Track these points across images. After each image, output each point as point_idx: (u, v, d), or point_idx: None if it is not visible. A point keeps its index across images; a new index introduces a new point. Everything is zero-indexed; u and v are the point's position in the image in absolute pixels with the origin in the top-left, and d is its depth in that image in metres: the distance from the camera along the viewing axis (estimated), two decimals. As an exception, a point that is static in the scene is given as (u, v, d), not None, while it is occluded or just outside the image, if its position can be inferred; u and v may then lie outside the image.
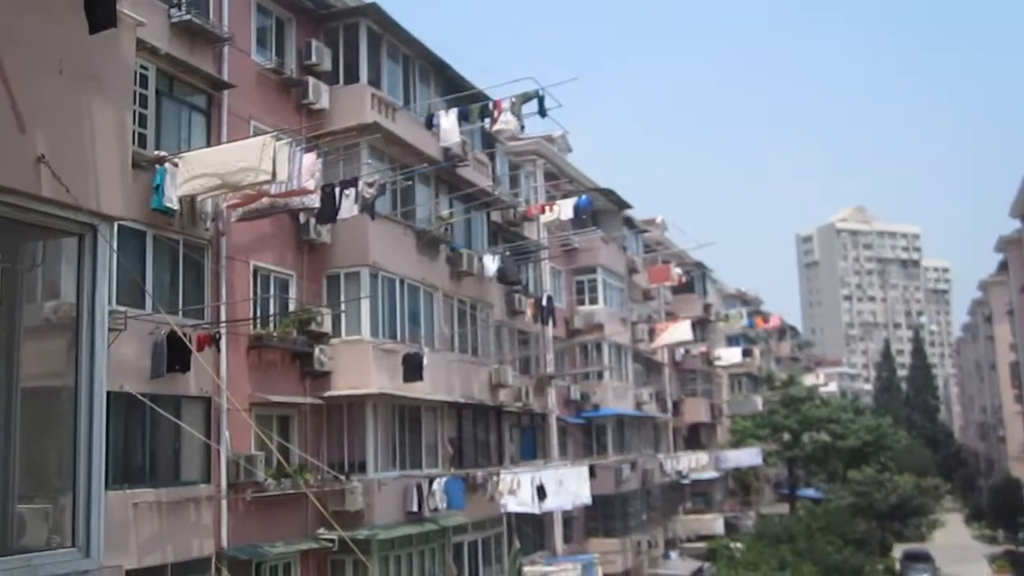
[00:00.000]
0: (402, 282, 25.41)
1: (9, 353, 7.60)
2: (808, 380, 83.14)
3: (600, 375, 41.88)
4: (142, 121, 18.85)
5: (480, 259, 29.66)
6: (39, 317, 8.13)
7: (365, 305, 23.69)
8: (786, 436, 68.48)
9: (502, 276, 30.74)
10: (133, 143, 16.79)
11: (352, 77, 25.14)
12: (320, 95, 24.03)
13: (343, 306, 23.68)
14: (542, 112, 23.55)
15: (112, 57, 7.26)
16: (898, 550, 64.47)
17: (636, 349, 46.51)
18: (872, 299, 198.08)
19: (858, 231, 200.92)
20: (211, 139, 20.85)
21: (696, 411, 58.46)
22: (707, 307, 61.43)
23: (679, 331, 47.74)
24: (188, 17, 20.22)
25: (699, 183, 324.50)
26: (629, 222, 48.34)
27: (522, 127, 25.02)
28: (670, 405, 53.39)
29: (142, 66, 18.62)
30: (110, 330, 8.04)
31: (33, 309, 8.07)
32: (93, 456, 7.16)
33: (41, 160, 6.65)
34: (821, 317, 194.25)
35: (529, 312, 34.62)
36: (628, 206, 46.09)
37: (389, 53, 26.47)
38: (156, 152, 18.77)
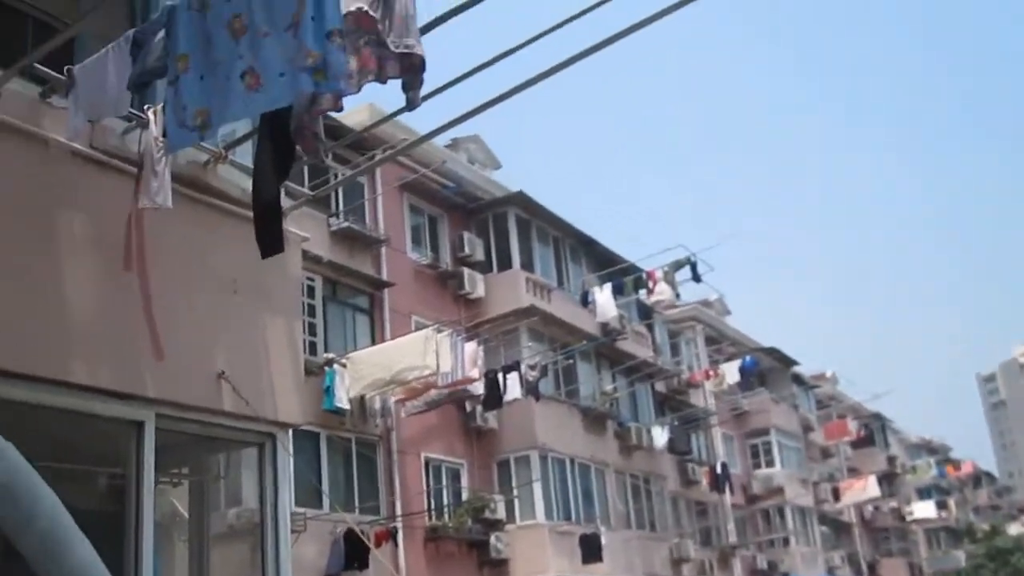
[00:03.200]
0: (572, 461, 25.21)
1: (200, 561, 7.85)
2: (1014, 529, 77.42)
3: (786, 541, 40.07)
4: (311, 328, 19.66)
5: (648, 431, 29.27)
6: (224, 524, 8.40)
7: (537, 488, 23.51)
8: (997, 593, 63.51)
9: (672, 447, 30.20)
10: (304, 350, 17.53)
11: (505, 263, 25.76)
12: (476, 284, 24.67)
13: (515, 491, 23.56)
14: (696, 278, 23.61)
15: (281, 273, 7.69)
16: None
17: (821, 510, 44.48)
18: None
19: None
20: (375, 337, 21.54)
21: (894, 572, 54.92)
22: (891, 459, 58.53)
23: (865, 488, 45.55)
24: (347, 224, 21.30)
25: (863, 332, 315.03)
26: (798, 379, 47.09)
27: (678, 295, 25.05)
28: (864, 568, 50.42)
29: (308, 276, 19.57)
30: (292, 532, 8.20)
31: (219, 517, 8.34)
32: (283, 663, 7.21)
33: (222, 376, 7.00)
34: (1017, 459, 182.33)
35: (705, 481, 33.72)
36: (795, 363, 45.03)
37: (539, 236, 27.11)
38: (325, 355, 19.47)
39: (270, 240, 6.20)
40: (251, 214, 6.30)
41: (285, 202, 7.48)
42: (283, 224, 6.44)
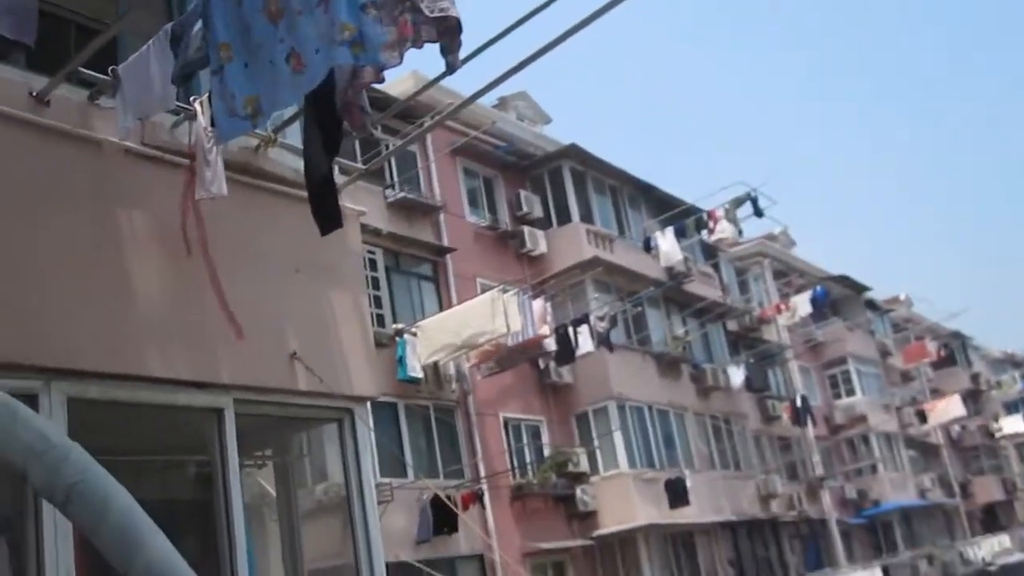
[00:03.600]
0: (650, 408, 25.20)
1: (292, 538, 7.99)
2: (1108, 434, 75.92)
3: (873, 469, 39.75)
4: (377, 301, 19.82)
5: (724, 371, 29.13)
6: (312, 500, 8.54)
7: (618, 438, 23.57)
8: (1097, 502, 62.39)
9: (750, 384, 30.05)
10: (372, 323, 17.68)
11: (564, 218, 25.69)
12: (537, 242, 24.65)
13: (596, 443, 23.65)
14: (758, 213, 23.31)
15: (342, 249, 7.72)
16: None
17: (907, 435, 43.99)
18: None
19: None
20: (442, 303, 21.66)
21: (987, 490, 54.23)
22: (975, 377, 57.58)
23: (949, 408, 44.88)
24: (403, 194, 21.38)
25: (935, 247, 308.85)
26: (871, 304, 46.44)
27: (740, 232, 24.77)
28: (957, 488, 49.85)
29: (369, 249, 19.69)
30: (379, 503, 8.30)
31: (306, 494, 8.48)
32: (378, 630, 7.32)
33: (294, 357, 7.07)
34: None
35: (785, 416, 33.49)
36: (867, 288, 44.39)
37: (595, 188, 26.97)
38: (394, 326, 19.64)
39: (328, 217, 6.23)
40: (306, 194, 6.32)
41: (339, 178, 7.50)
42: (339, 200, 6.46)
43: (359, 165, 10.84)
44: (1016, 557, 50.10)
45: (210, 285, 6.45)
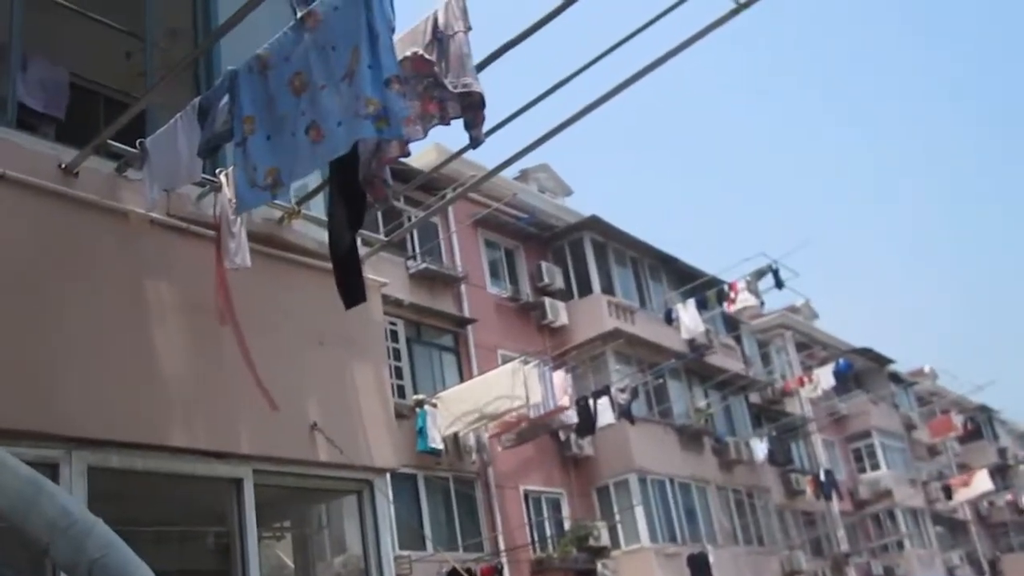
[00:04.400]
0: (672, 481, 24.94)
1: (309, 613, 7.91)
2: None
3: (900, 545, 39.08)
4: (398, 372, 19.80)
5: (747, 444, 28.87)
6: (331, 573, 8.46)
7: (639, 512, 23.30)
8: None
9: (773, 458, 29.75)
10: (393, 394, 17.66)
11: (585, 289, 25.71)
12: (558, 313, 24.66)
13: (617, 516, 23.38)
14: (779, 284, 23.28)
15: (364, 320, 7.77)
16: None
17: (933, 510, 43.28)
18: None
19: None
20: (463, 374, 21.63)
21: (1017, 568, 52.98)
22: (1002, 451, 56.74)
23: (977, 483, 44.16)
24: (424, 265, 21.49)
25: (959, 321, 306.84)
26: (895, 377, 46.04)
27: (762, 303, 24.73)
28: (986, 566, 48.87)
29: (391, 321, 19.75)
30: (397, 575, 8.24)
31: (325, 567, 8.41)
32: None
33: (315, 428, 7.08)
34: None
35: (809, 490, 33.06)
36: (890, 361, 44.06)
37: (616, 259, 27.03)
38: (415, 397, 19.60)
39: (352, 290, 6.27)
40: (329, 265, 6.37)
41: (361, 249, 7.57)
42: (362, 273, 6.51)
43: (381, 236, 10.92)
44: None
45: (235, 356, 6.48)
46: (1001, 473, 53.40)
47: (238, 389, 6.59)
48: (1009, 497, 54.36)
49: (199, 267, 6.60)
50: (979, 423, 54.26)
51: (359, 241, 7.18)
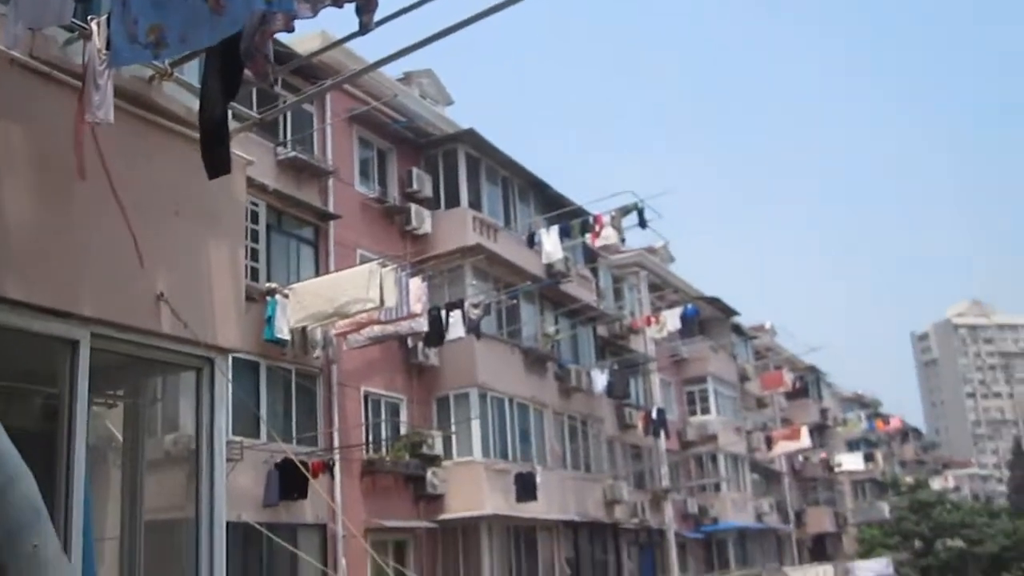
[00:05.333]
0: (511, 401, 25.39)
1: (133, 486, 7.79)
2: (937, 483, 79.77)
3: (717, 487, 40.88)
4: (253, 255, 19.46)
5: (588, 374, 29.53)
6: (160, 450, 8.34)
7: (475, 426, 23.67)
8: (918, 544, 65.35)
9: (611, 390, 30.52)
10: (245, 277, 17.36)
11: (453, 201, 25.65)
12: (423, 221, 24.55)
13: (454, 428, 23.71)
14: (642, 224, 23.67)
15: (225, 196, 7.55)
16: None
17: (753, 459, 45.37)
18: (998, 395, 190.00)
19: (977, 325, 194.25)
20: (319, 269, 21.40)
21: (820, 521, 56.34)
22: (824, 412, 59.78)
23: (797, 438, 46.44)
24: (294, 154, 21.03)
25: (804, 286, 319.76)
26: (737, 329, 47.72)
27: (623, 240, 25.14)
28: (792, 515, 51.65)
29: (252, 202, 19.33)
30: (227, 460, 8.16)
31: (154, 442, 8.28)
32: (214, 587, 7.20)
33: (160, 298, 6.89)
34: (945, 417, 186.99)
35: (640, 425, 34.16)
36: (735, 313, 45.60)
37: (488, 175, 27.01)
38: (267, 284, 19.31)
39: (217, 161, 6.10)
40: (197, 134, 6.17)
41: (232, 124, 7.33)
42: (230, 145, 6.32)
43: (254, 114, 10.61)
44: (837, 587, 52.21)
45: (86, 215, 6.24)
46: (820, 432, 56.30)
47: (86, 249, 6.36)
48: (823, 455, 57.43)
49: (59, 117, 6.28)
50: (807, 382, 56.92)
51: (230, 115, 6.95)
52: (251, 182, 17.60)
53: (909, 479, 76.09)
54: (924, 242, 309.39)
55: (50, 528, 4.18)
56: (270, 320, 18.71)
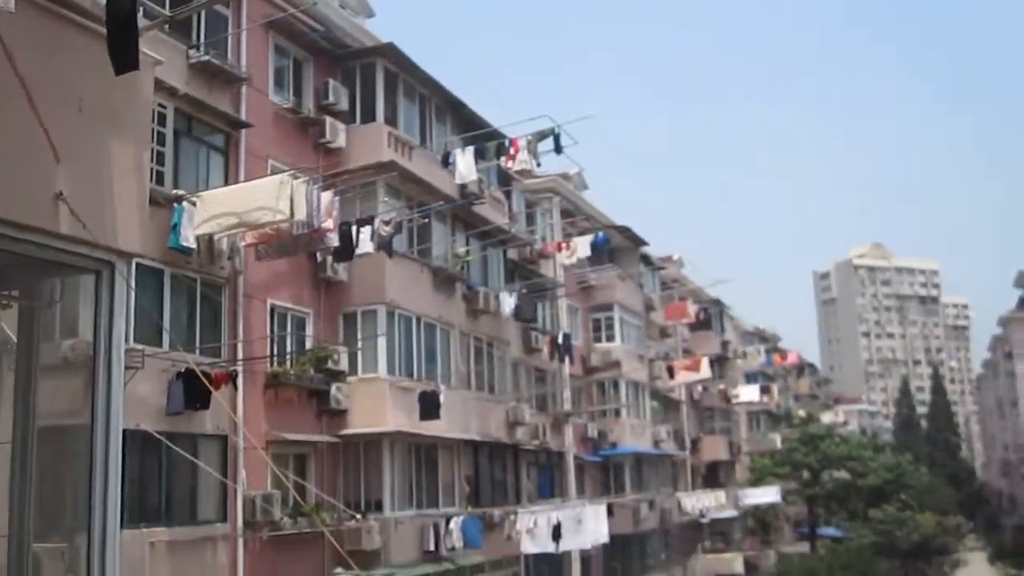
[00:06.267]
0: (419, 320, 25.41)
1: (26, 390, 7.60)
2: (827, 417, 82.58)
3: (617, 413, 41.67)
4: (160, 159, 18.98)
5: (496, 297, 29.65)
6: (56, 355, 8.13)
7: (382, 343, 23.67)
8: (805, 474, 67.85)
9: (519, 314, 30.72)
10: (151, 181, 16.92)
11: (369, 116, 25.29)
12: (337, 134, 24.17)
13: (360, 344, 23.66)
14: (558, 149, 23.58)
15: (131, 95, 7.29)
16: (921, 590, 63.52)
17: (653, 387, 46.31)
18: (891, 336, 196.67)
19: (876, 267, 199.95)
20: (229, 178, 20.98)
21: (714, 449, 58.02)
22: (725, 344, 61.19)
23: (697, 369, 47.49)
24: (207, 58, 20.44)
25: (714, 221, 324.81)
26: (646, 259, 48.31)
27: (538, 165, 25.04)
28: (688, 443, 53.06)
29: (160, 105, 18.78)
30: (127, 368, 8.03)
31: (50, 347, 8.07)
32: (109, 495, 7.11)
33: (59, 197, 6.66)
34: (840, 354, 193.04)
35: (546, 350, 34.54)
36: (644, 243, 46.10)
37: (406, 92, 26.65)
38: (174, 191, 18.88)
39: (124, 56, 5.88)
40: (103, 30, 5.93)
41: (142, 22, 7.06)
42: (139, 42, 6.08)
43: (166, 12, 10.25)
44: (727, 513, 54.06)
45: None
46: (719, 363, 57.66)
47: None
48: (721, 386, 58.94)
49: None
50: (711, 315, 58.14)
51: (141, 11, 6.70)
52: (160, 84, 17.10)
53: (802, 412, 78.65)
54: (831, 184, 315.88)
55: None
56: (176, 227, 18.32)
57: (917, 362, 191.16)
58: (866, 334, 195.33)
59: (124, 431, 7.44)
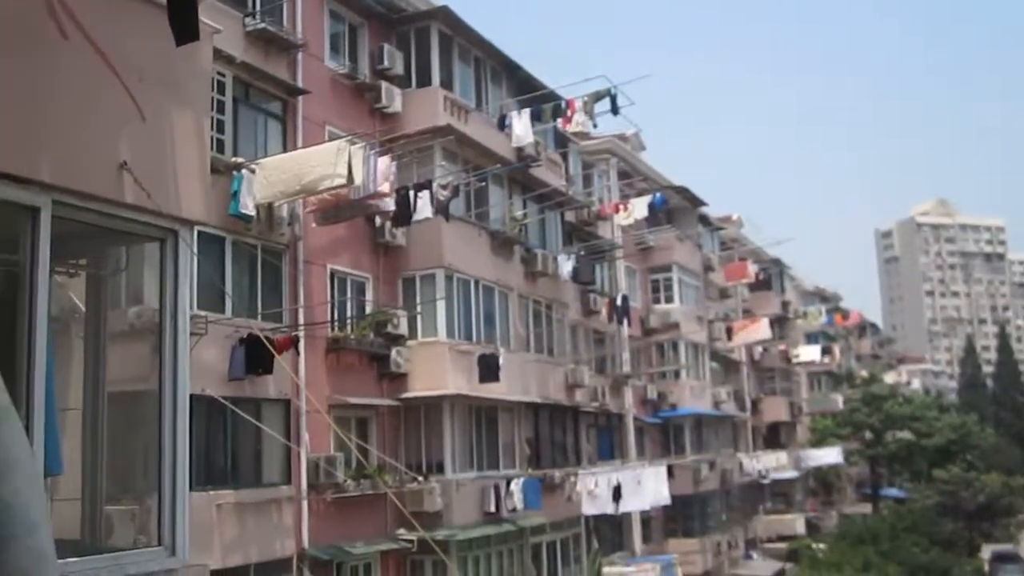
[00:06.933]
0: (477, 283, 25.47)
1: (96, 358, 7.76)
2: (890, 378, 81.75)
3: (677, 374, 41.56)
4: (220, 127, 19.15)
5: (555, 259, 29.62)
6: (124, 322, 8.28)
7: (441, 307, 23.78)
8: (868, 435, 67.24)
9: (576, 276, 30.68)
10: (211, 149, 17.08)
11: (424, 80, 25.27)
12: (393, 99, 24.20)
13: (419, 308, 23.80)
14: (615, 110, 23.43)
15: (190, 64, 7.35)
16: (986, 551, 62.78)
17: (713, 348, 46.06)
18: (956, 294, 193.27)
19: (940, 225, 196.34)
20: (287, 144, 21.11)
21: (775, 410, 57.67)
22: (785, 304, 60.60)
23: (757, 329, 47.18)
24: (263, 25, 20.53)
25: (775, 180, 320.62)
26: (704, 220, 47.91)
27: (595, 126, 24.91)
28: (748, 404, 52.77)
29: (219, 73, 18.92)
30: (192, 334, 8.14)
31: (118, 314, 8.21)
32: (177, 458, 7.25)
33: (124, 167, 6.75)
34: (902, 313, 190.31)
35: (604, 312, 34.48)
36: (703, 203, 45.69)
37: (460, 55, 26.56)
38: (234, 158, 19.06)
39: (184, 27, 5.91)
40: (162, 1, 5.98)
41: (199, -10, 7.09)
42: (198, 11, 6.12)
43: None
44: (788, 474, 53.82)
45: (50, 81, 6.05)
46: (779, 323, 57.17)
47: (49, 116, 6.20)
48: (782, 347, 58.45)
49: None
50: (770, 275, 57.58)
51: (198, -20, 6.73)
52: (218, 53, 17.20)
53: (864, 373, 77.82)
54: (895, 141, 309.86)
55: None
56: (236, 195, 18.50)
57: (983, 321, 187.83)
58: (930, 293, 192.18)
59: (190, 396, 7.56)
